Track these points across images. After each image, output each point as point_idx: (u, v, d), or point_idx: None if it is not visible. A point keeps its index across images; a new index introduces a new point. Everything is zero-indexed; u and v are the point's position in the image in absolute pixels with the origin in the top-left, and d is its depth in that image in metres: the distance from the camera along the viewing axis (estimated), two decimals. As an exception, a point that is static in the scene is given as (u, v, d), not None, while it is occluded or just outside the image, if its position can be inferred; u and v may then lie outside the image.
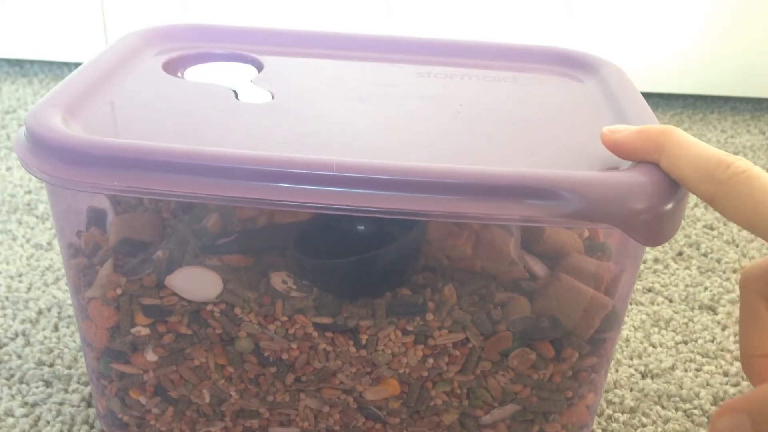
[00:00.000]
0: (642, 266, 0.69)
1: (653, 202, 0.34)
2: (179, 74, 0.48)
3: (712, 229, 0.76)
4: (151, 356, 0.42)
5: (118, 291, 0.40)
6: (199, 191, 0.34)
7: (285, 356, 0.41)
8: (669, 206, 0.34)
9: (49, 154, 0.36)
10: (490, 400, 0.42)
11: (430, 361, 0.41)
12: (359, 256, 0.39)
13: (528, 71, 0.51)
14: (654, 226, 0.34)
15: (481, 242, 0.41)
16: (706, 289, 0.66)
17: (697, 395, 0.53)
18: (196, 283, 0.40)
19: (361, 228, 0.41)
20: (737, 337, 0.59)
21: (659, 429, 0.50)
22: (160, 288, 0.40)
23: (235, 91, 0.45)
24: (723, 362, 0.57)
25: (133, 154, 0.35)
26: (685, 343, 0.59)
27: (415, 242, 0.40)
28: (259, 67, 0.49)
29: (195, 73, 0.48)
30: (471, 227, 0.41)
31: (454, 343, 0.40)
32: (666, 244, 0.71)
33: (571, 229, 0.43)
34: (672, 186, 0.34)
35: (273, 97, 0.44)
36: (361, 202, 0.34)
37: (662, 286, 0.66)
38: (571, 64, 0.52)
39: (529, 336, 0.40)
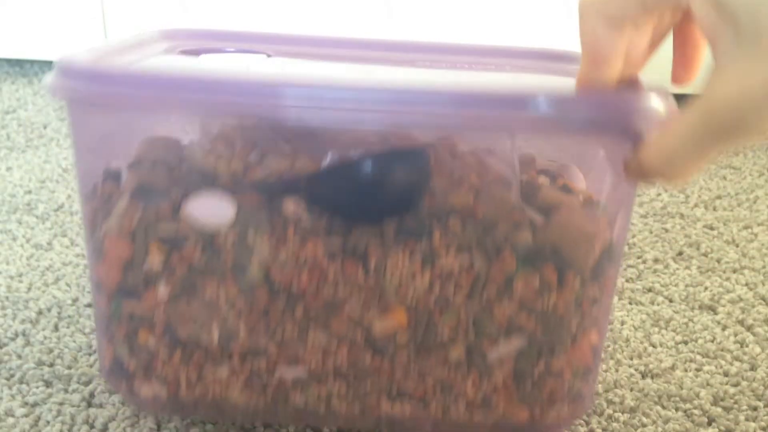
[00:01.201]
0: (642, 266, 0.70)
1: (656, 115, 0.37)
2: (193, 56, 0.50)
3: (712, 229, 0.77)
4: (162, 291, 0.42)
5: (135, 221, 0.41)
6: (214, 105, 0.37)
7: (295, 286, 0.42)
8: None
9: (83, 77, 0.39)
10: (496, 331, 0.42)
11: (437, 287, 0.42)
12: (358, 159, 0.41)
13: (518, 68, 0.54)
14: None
15: (481, 194, 0.43)
16: (706, 289, 0.67)
17: (697, 395, 0.53)
18: (211, 209, 0.41)
19: (369, 162, 0.42)
20: (737, 337, 0.60)
21: (659, 429, 0.50)
22: (176, 216, 0.41)
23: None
24: (723, 362, 0.57)
25: (167, 74, 0.38)
26: (685, 343, 0.59)
27: (420, 173, 0.42)
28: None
29: (210, 58, 0.51)
30: (471, 180, 0.43)
31: (459, 267, 0.41)
32: (666, 243, 0.74)
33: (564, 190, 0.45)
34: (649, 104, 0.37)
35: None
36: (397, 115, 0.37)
37: (662, 286, 0.67)
38: (567, 61, 0.54)
39: (532, 261, 0.41)
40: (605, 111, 0.37)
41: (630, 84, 0.38)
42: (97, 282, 0.44)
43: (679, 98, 0.37)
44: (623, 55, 0.36)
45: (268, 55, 0.51)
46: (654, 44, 0.38)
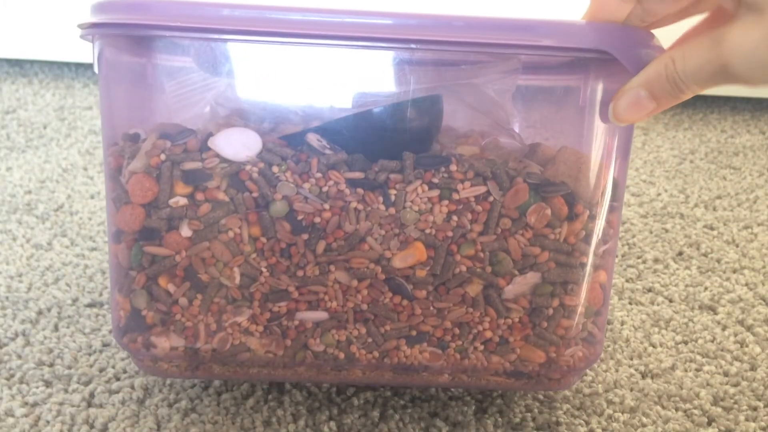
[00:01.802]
0: (642, 266, 0.70)
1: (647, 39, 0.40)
2: None
3: (712, 229, 0.78)
4: (185, 232, 0.43)
5: (162, 157, 0.43)
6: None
7: (317, 220, 0.43)
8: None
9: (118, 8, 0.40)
10: (511, 266, 0.44)
11: (455, 219, 0.43)
12: (373, 108, 0.43)
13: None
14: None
15: (488, 146, 0.46)
16: (706, 289, 0.67)
17: (697, 395, 0.53)
18: (238, 141, 0.42)
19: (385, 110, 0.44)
20: (737, 337, 0.60)
21: (659, 429, 0.50)
22: (203, 151, 0.43)
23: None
24: (723, 362, 0.57)
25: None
26: (685, 343, 0.59)
27: (429, 105, 0.44)
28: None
29: None
30: (476, 133, 0.46)
31: (476, 197, 0.43)
32: (666, 243, 0.74)
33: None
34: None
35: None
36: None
37: (662, 286, 0.67)
38: None
39: (543, 191, 0.43)
40: (611, 39, 0.40)
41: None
42: (117, 232, 0.45)
43: None
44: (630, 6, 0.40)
45: None
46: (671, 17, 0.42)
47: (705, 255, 0.73)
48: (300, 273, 0.44)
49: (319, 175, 0.42)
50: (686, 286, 0.67)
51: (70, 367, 0.53)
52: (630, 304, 0.64)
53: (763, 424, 0.51)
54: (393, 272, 0.44)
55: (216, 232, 0.43)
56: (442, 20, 0.39)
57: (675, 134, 1.01)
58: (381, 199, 0.43)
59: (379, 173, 0.42)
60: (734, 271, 0.70)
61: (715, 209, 0.82)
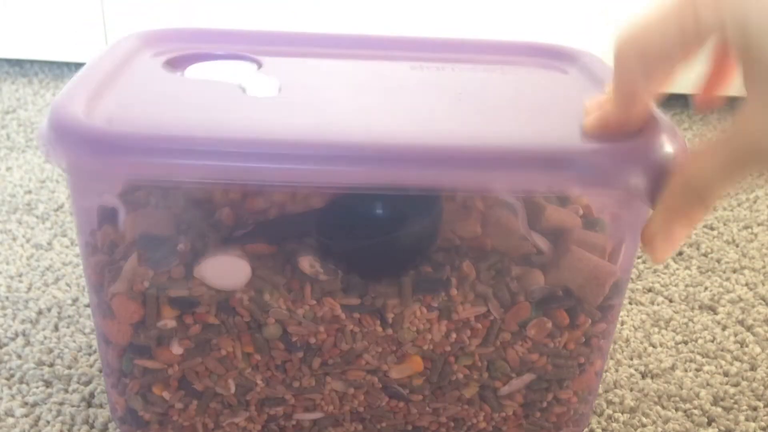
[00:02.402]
0: (642, 266, 0.69)
1: (662, 167, 0.37)
2: (180, 72, 0.48)
3: (712, 229, 0.77)
4: (176, 349, 0.42)
5: (145, 284, 0.40)
6: (231, 176, 0.36)
7: (312, 340, 0.42)
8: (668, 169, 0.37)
9: (75, 145, 0.36)
10: (509, 370, 0.44)
11: (453, 335, 0.42)
12: (385, 237, 0.40)
13: (513, 64, 0.53)
14: (658, 187, 0.37)
15: (489, 222, 0.43)
16: (706, 289, 0.67)
17: (697, 395, 0.54)
18: (226, 271, 0.40)
19: (379, 210, 0.42)
20: (737, 337, 0.60)
21: (659, 429, 0.50)
22: (189, 279, 0.40)
23: (241, 86, 0.45)
24: (723, 362, 0.57)
25: (161, 142, 0.36)
26: (685, 343, 0.59)
27: (436, 221, 0.42)
28: (259, 66, 0.50)
29: (196, 71, 0.49)
30: (477, 208, 0.43)
31: (476, 316, 0.42)
32: None
33: (566, 207, 0.46)
34: (670, 149, 0.37)
35: (279, 90, 0.45)
36: (393, 179, 0.36)
37: (662, 286, 0.67)
38: (552, 55, 0.54)
39: (545, 305, 0.42)
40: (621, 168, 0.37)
41: (648, 124, 0.38)
42: (106, 338, 0.43)
43: (679, 98, 0.37)
44: (654, 95, 0.36)
45: (258, 65, 0.49)
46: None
47: (705, 255, 0.72)
48: (296, 384, 0.43)
49: (313, 301, 0.41)
50: (686, 286, 0.67)
51: (70, 367, 0.53)
52: (630, 304, 0.64)
53: (763, 424, 0.52)
54: (390, 382, 0.44)
55: (208, 350, 0.42)
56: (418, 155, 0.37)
57: (675, 134, 1.02)
58: (378, 321, 0.41)
59: (375, 299, 0.41)
60: (734, 271, 0.70)
61: (715, 209, 0.82)
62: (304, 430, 0.45)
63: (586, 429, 0.50)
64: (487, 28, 1.05)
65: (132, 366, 0.43)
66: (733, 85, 0.37)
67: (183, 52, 0.51)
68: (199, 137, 0.36)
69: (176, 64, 0.49)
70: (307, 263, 0.41)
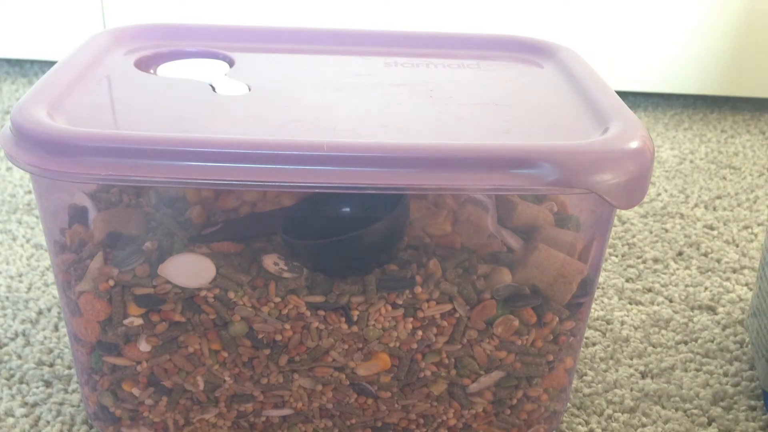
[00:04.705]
0: (642, 266, 0.69)
1: (626, 167, 0.36)
2: (152, 71, 0.48)
3: (712, 229, 0.77)
4: (144, 346, 0.42)
5: (111, 282, 0.41)
6: (193, 176, 0.36)
7: (278, 337, 0.42)
8: (639, 170, 0.37)
9: (37, 147, 0.36)
10: (477, 368, 0.44)
11: (419, 333, 0.42)
12: (347, 235, 0.40)
13: (489, 59, 0.53)
14: (626, 190, 0.37)
15: (459, 219, 0.43)
16: (706, 289, 0.66)
17: (697, 395, 0.53)
18: (190, 270, 0.40)
19: (346, 209, 0.43)
20: (737, 337, 0.60)
21: (659, 429, 0.50)
22: (153, 277, 0.41)
23: (211, 85, 0.45)
24: (723, 362, 0.57)
25: (123, 143, 0.36)
26: (685, 343, 0.59)
27: (400, 219, 0.42)
28: (231, 63, 0.50)
29: (168, 70, 0.49)
30: (448, 206, 0.43)
31: (441, 314, 0.42)
32: (666, 243, 0.73)
33: (542, 203, 0.45)
34: (641, 151, 0.37)
35: (249, 89, 0.45)
36: (355, 179, 0.36)
37: (662, 286, 0.66)
38: (529, 50, 0.54)
39: (512, 303, 0.42)
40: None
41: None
42: (75, 336, 0.44)
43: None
44: None
45: (231, 63, 0.49)
46: None
47: (705, 255, 0.72)
48: (264, 381, 0.44)
49: (278, 299, 0.41)
50: (686, 286, 0.67)
51: (70, 367, 0.53)
52: (630, 304, 0.64)
53: (762, 423, 0.51)
54: (357, 379, 0.44)
55: (175, 347, 0.42)
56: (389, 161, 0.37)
57: (675, 134, 1.00)
58: (343, 318, 0.41)
59: (340, 296, 0.41)
60: (734, 271, 0.69)
61: (715, 209, 0.81)
62: (274, 427, 0.46)
63: (586, 429, 0.50)
64: (458, 18, 1.04)
65: (101, 363, 0.43)
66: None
67: (155, 50, 0.51)
68: (160, 138, 0.36)
69: (147, 62, 0.49)
70: (271, 261, 0.41)
